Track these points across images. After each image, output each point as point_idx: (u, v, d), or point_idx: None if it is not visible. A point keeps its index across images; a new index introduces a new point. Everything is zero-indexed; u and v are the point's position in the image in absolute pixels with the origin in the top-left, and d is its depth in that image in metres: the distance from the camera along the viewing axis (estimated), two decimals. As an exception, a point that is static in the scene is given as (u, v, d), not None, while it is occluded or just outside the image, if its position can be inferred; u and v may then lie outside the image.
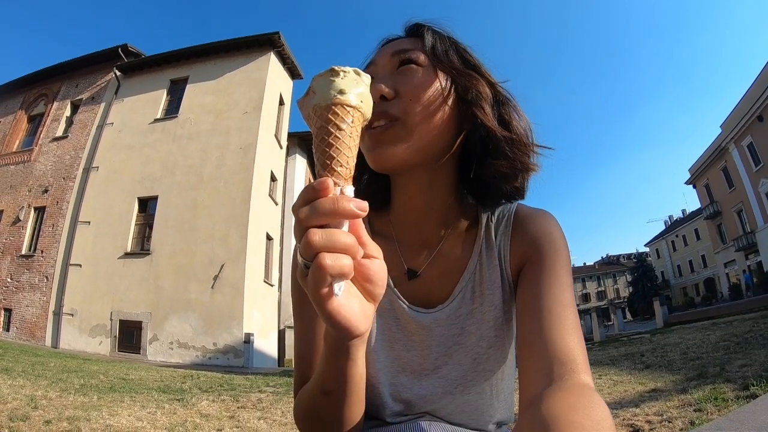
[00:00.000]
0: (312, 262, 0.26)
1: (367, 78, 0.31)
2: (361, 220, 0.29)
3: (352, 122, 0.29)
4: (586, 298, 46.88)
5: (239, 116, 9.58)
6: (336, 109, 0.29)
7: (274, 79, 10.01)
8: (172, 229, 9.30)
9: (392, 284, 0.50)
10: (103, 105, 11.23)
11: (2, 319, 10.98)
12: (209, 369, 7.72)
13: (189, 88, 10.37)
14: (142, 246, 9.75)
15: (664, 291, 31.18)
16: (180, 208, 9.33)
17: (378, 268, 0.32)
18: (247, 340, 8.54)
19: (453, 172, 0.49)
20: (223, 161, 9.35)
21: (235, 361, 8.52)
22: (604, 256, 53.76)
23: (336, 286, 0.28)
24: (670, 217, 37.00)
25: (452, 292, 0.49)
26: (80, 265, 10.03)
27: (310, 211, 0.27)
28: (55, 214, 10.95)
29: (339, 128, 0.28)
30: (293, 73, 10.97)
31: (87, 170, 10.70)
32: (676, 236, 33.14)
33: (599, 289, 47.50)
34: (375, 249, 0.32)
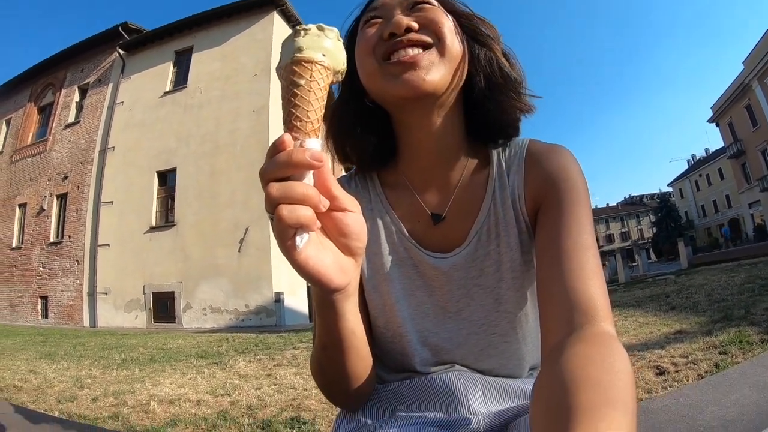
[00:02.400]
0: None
1: (332, 32, 0.31)
2: (329, 173, 0.29)
3: (311, 77, 0.29)
4: (609, 239, 46.41)
5: (249, 80, 9.45)
6: (294, 68, 0.29)
7: (280, 38, 9.78)
8: (194, 198, 9.36)
9: (407, 232, 0.49)
10: (110, 86, 11.19)
11: (39, 307, 11.37)
12: (243, 330, 7.90)
13: (195, 58, 10.24)
14: (166, 218, 9.87)
15: (688, 231, 30.64)
16: (199, 177, 9.36)
17: (352, 221, 0.32)
18: (278, 299, 8.66)
19: (460, 111, 0.49)
20: (236, 126, 9.29)
21: (268, 320, 8.68)
22: (627, 196, 52.44)
23: (298, 238, 0.28)
24: (693, 156, 35.87)
25: (468, 234, 0.48)
26: (108, 245, 10.23)
27: (269, 165, 0.28)
28: (77, 198, 11.13)
29: (297, 85, 0.29)
30: (298, 30, 10.76)
31: (103, 152, 10.78)
32: (700, 176, 32.38)
33: (623, 230, 46.90)
34: (350, 202, 0.32)
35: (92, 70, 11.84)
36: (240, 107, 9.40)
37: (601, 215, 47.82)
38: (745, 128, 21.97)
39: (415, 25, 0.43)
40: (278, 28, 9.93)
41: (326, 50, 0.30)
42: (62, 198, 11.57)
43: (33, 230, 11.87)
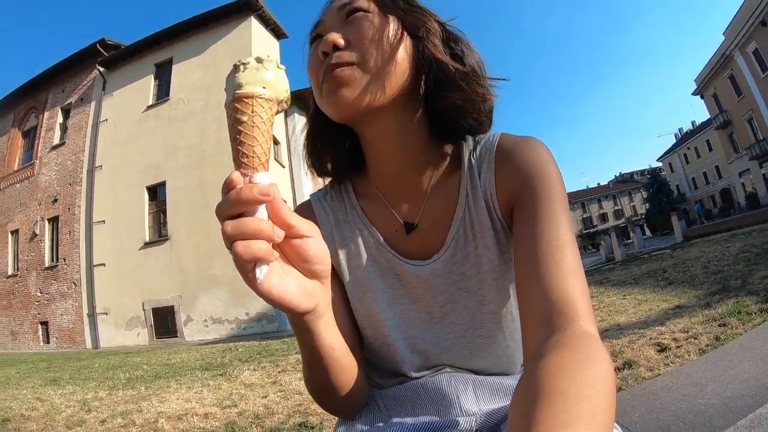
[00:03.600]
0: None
1: (270, 63, 0.31)
2: (281, 204, 0.30)
3: (252, 112, 0.30)
4: (603, 218, 46.78)
5: (230, 87, 9.39)
6: (236, 105, 0.30)
7: (259, 43, 9.73)
8: (185, 211, 9.31)
9: (385, 242, 0.49)
10: (93, 104, 11.09)
11: (40, 332, 11.30)
12: (246, 339, 7.89)
13: (175, 69, 10.15)
14: (160, 233, 9.81)
15: (681, 205, 30.92)
16: (189, 189, 9.31)
17: (311, 246, 0.33)
18: (279, 305, 8.65)
19: (422, 116, 0.47)
20: (222, 135, 9.21)
21: (269, 326, 8.66)
22: (618, 174, 52.79)
23: (257, 270, 0.29)
24: (680, 129, 36.16)
25: (445, 239, 0.47)
26: (104, 264, 10.17)
27: (221, 204, 0.29)
28: (69, 220, 11.04)
29: (240, 122, 0.30)
30: (278, 33, 10.65)
31: (91, 171, 10.69)
32: (688, 149, 32.57)
33: (616, 208, 47.21)
34: (307, 228, 0.32)
35: (73, 89, 11.73)
36: (224, 116, 9.29)
37: (594, 195, 48.07)
38: (730, 98, 22.12)
39: (341, 42, 0.42)
40: (257, 32, 9.87)
41: (266, 82, 0.30)
42: (54, 221, 11.47)
43: (27, 256, 11.77)
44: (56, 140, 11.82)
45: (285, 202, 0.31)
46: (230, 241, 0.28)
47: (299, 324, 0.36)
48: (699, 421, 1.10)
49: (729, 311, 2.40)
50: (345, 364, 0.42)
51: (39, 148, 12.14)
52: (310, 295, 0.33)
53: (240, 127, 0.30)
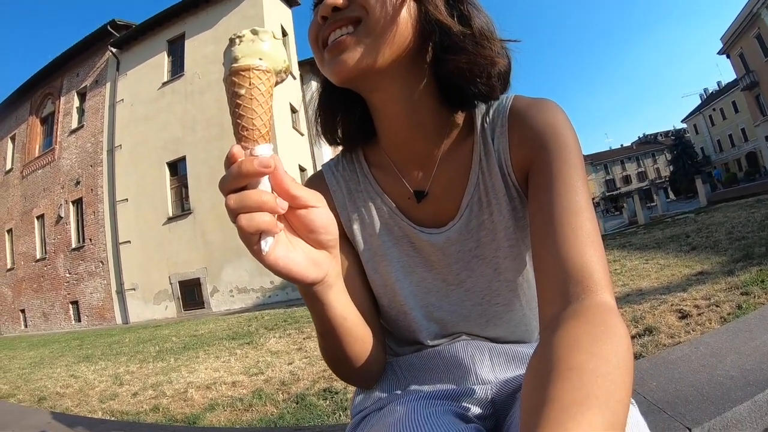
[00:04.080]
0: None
1: (265, 33, 0.31)
2: (284, 175, 0.30)
3: (250, 84, 0.29)
4: (626, 180, 45.67)
5: (244, 58, 9.37)
6: (233, 78, 0.30)
7: (271, 12, 9.67)
8: (207, 184, 9.44)
9: (398, 210, 0.48)
10: (108, 85, 11.20)
11: (71, 312, 11.71)
12: (272, 307, 8.07)
13: (188, 44, 10.17)
14: (182, 207, 10.00)
15: (706, 168, 29.98)
16: (209, 162, 9.42)
17: (316, 216, 0.32)
18: (303, 271, 8.80)
19: (430, 81, 0.44)
20: (239, 106, 9.29)
21: (294, 294, 8.83)
22: (641, 135, 51.00)
23: (263, 242, 0.29)
24: (705, 90, 34.93)
25: (459, 207, 0.47)
26: (129, 242, 10.43)
27: (224, 178, 0.29)
28: (92, 201, 11.30)
29: (238, 95, 0.29)
30: (289, 1, 10.58)
31: (111, 151, 10.87)
32: (713, 110, 31.44)
33: (639, 170, 45.99)
34: (313, 198, 0.32)
35: (88, 72, 11.85)
36: (240, 87, 9.36)
37: (617, 156, 46.61)
38: (757, 58, 21.26)
39: (341, 1, 0.40)
40: (268, 2, 9.79)
41: (263, 53, 0.30)
42: (78, 203, 11.76)
43: (54, 239, 12.13)
44: (74, 124, 12.01)
45: (288, 172, 0.31)
46: (234, 214, 0.28)
47: (309, 295, 0.36)
48: (716, 394, 1.08)
49: (752, 279, 2.36)
50: (358, 334, 0.42)
51: (58, 133, 12.35)
52: (318, 265, 0.33)
53: (238, 101, 0.30)
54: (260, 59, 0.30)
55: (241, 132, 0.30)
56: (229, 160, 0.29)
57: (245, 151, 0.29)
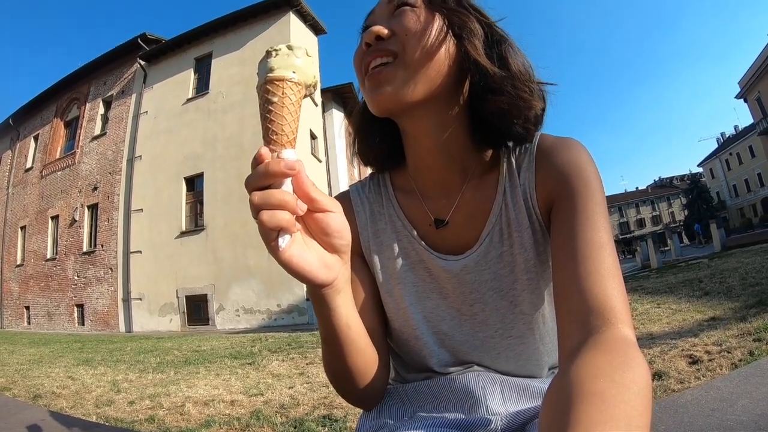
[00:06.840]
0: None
1: (300, 50, 0.33)
2: (306, 179, 0.31)
3: (283, 94, 0.32)
4: (640, 223, 45.66)
5: (269, 81, 9.55)
6: (267, 86, 0.32)
7: (298, 38, 9.87)
8: (222, 202, 9.52)
9: (418, 235, 0.49)
10: (134, 96, 11.45)
11: (76, 314, 11.75)
12: (276, 330, 8.00)
13: (215, 63, 10.38)
14: (196, 223, 10.06)
15: (721, 213, 29.85)
16: (226, 180, 9.51)
17: (332, 220, 0.34)
18: (309, 297, 8.77)
19: (464, 117, 0.46)
20: (260, 128, 9.41)
21: (300, 318, 8.77)
22: (657, 179, 51.53)
23: (280, 240, 0.31)
24: (722, 134, 35.00)
25: (479, 236, 0.48)
26: (140, 251, 10.49)
27: (250, 177, 0.31)
28: (108, 208, 11.44)
29: (271, 102, 0.32)
30: (316, 29, 10.79)
31: (131, 161, 11.05)
32: (730, 154, 31.50)
33: (654, 213, 46.15)
34: (330, 203, 0.34)
35: (115, 82, 12.14)
36: (262, 109, 9.51)
37: (632, 199, 46.82)
38: (775, 103, 21.29)
39: (385, 32, 0.42)
40: (295, 28, 10.00)
41: (296, 68, 0.32)
42: (93, 208, 11.91)
43: (66, 241, 12.26)
44: (97, 131, 12.25)
45: (309, 177, 0.33)
46: (256, 210, 0.30)
47: (317, 297, 0.37)
48: (727, 438, 1.04)
49: (765, 326, 2.34)
50: (361, 346, 0.42)
51: (80, 137, 12.61)
52: (329, 268, 0.35)
53: (271, 107, 0.32)
54: (293, 72, 0.32)
55: (270, 136, 0.32)
56: (257, 160, 0.31)
57: (273, 153, 0.31)
